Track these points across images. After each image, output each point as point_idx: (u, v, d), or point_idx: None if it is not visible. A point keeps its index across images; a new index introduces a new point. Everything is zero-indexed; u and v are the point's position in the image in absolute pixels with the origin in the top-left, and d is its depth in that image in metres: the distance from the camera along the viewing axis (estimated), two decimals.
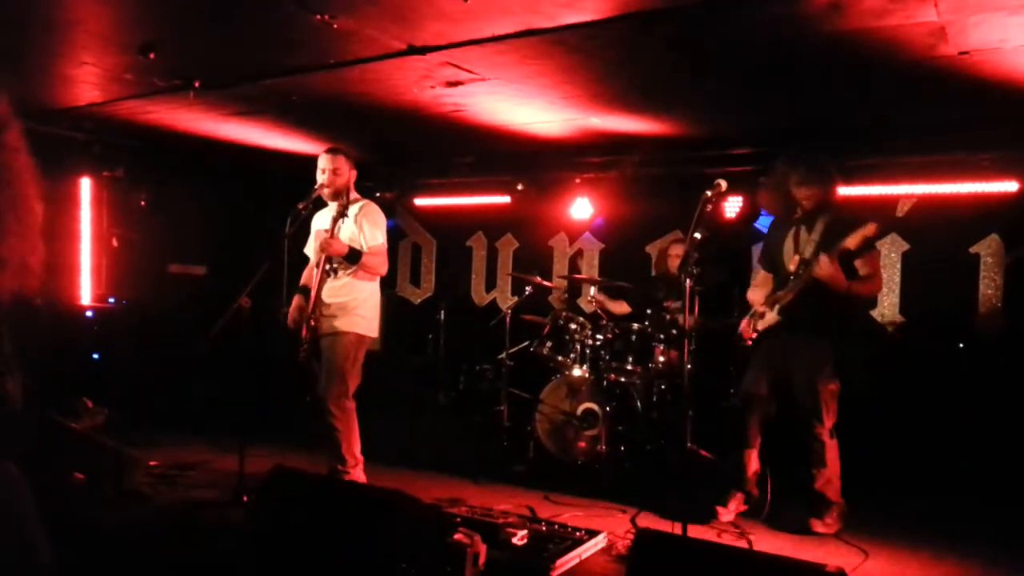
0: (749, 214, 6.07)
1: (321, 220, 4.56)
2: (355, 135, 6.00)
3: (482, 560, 3.19)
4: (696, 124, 5.50)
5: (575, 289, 7.16)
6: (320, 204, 4.51)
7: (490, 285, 7.79)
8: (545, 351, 5.72)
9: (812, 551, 3.81)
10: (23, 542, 1.59)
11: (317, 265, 4.36)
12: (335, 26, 3.68)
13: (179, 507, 4.30)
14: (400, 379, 7.26)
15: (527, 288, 6.04)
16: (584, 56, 4.05)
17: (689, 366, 3.68)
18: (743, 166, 5.74)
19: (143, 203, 6.93)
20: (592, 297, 5.99)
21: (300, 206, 4.25)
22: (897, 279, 5.95)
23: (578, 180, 6.73)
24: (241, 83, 4.82)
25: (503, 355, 5.96)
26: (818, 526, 4.09)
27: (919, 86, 4.31)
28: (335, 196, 4.36)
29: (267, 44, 4.14)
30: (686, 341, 3.63)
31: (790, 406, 4.18)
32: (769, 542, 4.00)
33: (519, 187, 7.09)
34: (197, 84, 4.76)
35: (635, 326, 5.58)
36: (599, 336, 5.60)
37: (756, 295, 4.39)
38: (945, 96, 4.48)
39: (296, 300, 4.42)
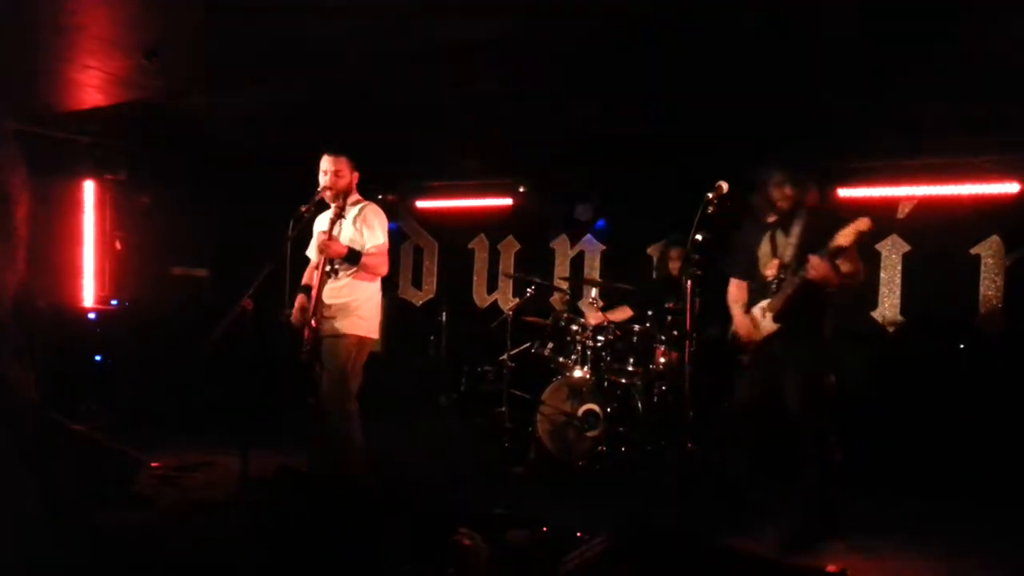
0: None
1: (323, 222, 4.57)
2: (357, 137, 6.01)
3: (484, 561, 3.19)
4: (698, 125, 5.51)
5: (577, 291, 7.18)
6: (322, 206, 4.51)
7: (492, 287, 7.80)
8: (546, 352, 5.73)
9: (812, 552, 3.82)
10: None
11: (317, 266, 4.36)
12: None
13: (181, 509, 4.31)
14: (402, 381, 7.26)
15: (528, 290, 6.05)
16: (584, 57, 4.07)
17: (690, 367, 3.69)
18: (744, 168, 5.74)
19: (146, 205, 6.96)
20: (592, 310, 5.95)
21: (302, 208, 4.24)
22: (898, 280, 5.96)
23: (580, 182, 6.73)
24: (244, 86, 4.84)
25: (504, 356, 5.96)
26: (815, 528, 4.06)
27: (921, 88, 4.32)
28: (337, 197, 4.35)
29: (268, 46, 4.16)
30: (687, 343, 3.63)
31: (785, 407, 4.11)
32: (770, 543, 4.00)
33: (521, 189, 7.11)
34: (200, 87, 4.78)
35: (636, 328, 5.59)
36: (600, 337, 5.61)
37: (738, 309, 4.23)
38: (947, 98, 4.49)
39: (299, 300, 4.43)
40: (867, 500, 4.76)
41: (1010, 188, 5.40)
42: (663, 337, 5.52)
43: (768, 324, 4.03)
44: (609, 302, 6.12)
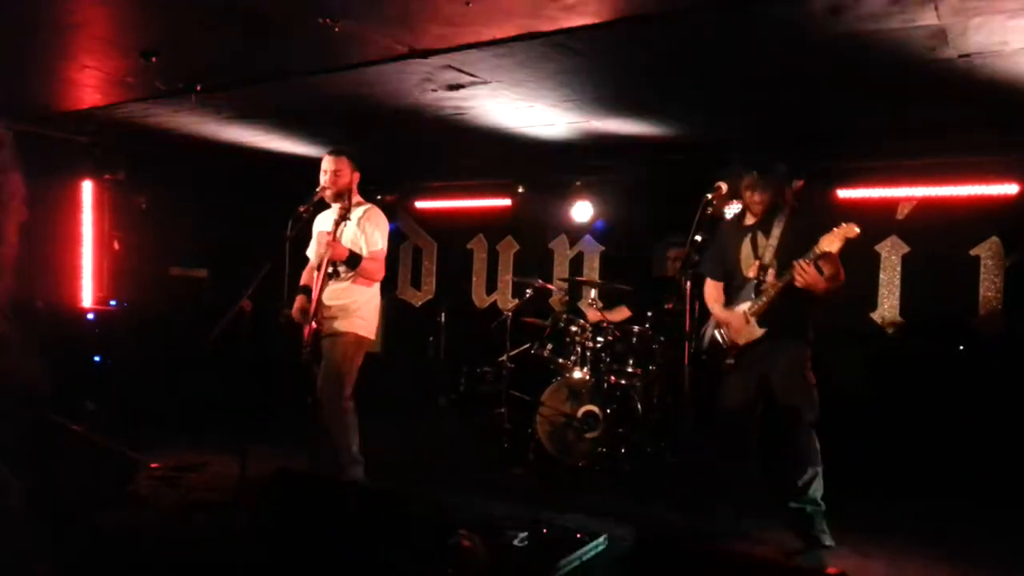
0: None
1: (323, 222, 4.57)
2: (356, 138, 6.02)
3: (483, 562, 3.19)
4: (696, 127, 5.51)
5: (576, 291, 7.17)
6: (322, 206, 4.52)
7: (491, 287, 7.80)
8: (546, 353, 5.73)
9: (813, 551, 3.82)
10: None
11: (318, 267, 4.36)
12: (337, 29, 3.69)
13: (180, 509, 4.31)
14: (400, 381, 7.26)
15: (528, 291, 6.05)
16: (584, 59, 4.07)
17: (690, 368, 3.68)
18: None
19: (144, 206, 6.95)
20: (591, 310, 5.96)
21: (301, 209, 4.26)
22: (897, 281, 5.96)
23: (579, 183, 6.74)
24: (242, 86, 4.83)
25: (504, 357, 5.96)
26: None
27: (919, 89, 4.32)
28: (337, 197, 4.36)
29: (269, 48, 4.16)
30: (687, 343, 3.62)
31: (776, 407, 4.08)
32: (768, 545, 4.00)
33: (520, 190, 7.11)
34: (199, 87, 4.77)
35: (636, 329, 5.59)
36: (600, 339, 5.61)
37: (719, 307, 4.21)
38: (945, 99, 4.49)
39: (298, 300, 4.43)
40: (866, 501, 4.76)
41: (1009, 189, 5.40)
42: (663, 338, 5.52)
43: (755, 329, 4.00)
44: (608, 303, 6.12)
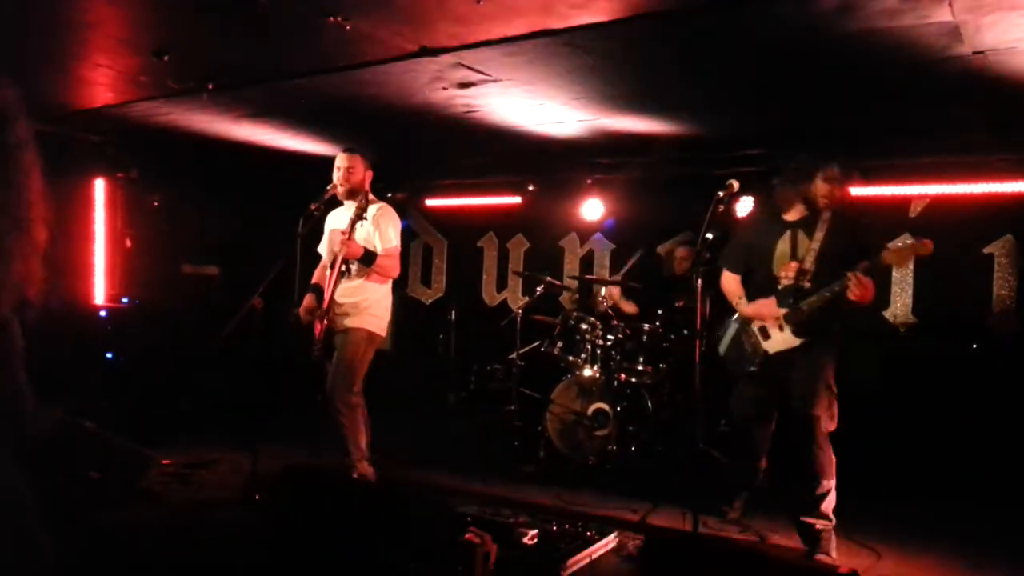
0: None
1: (335, 220, 4.59)
2: (367, 136, 6.03)
3: (492, 560, 3.19)
4: (707, 124, 5.49)
5: (586, 289, 7.16)
6: (333, 204, 4.54)
7: (501, 285, 7.80)
8: (556, 351, 5.73)
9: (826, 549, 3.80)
10: (23, 538, 1.56)
11: (332, 265, 4.38)
12: (348, 28, 3.70)
13: (191, 506, 4.33)
14: (411, 379, 7.27)
15: (538, 288, 6.05)
16: (596, 57, 4.06)
17: (700, 366, 3.65)
18: (755, 167, 5.73)
19: (156, 204, 6.99)
20: (605, 295, 5.99)
21: (312, 207, 4.29)
22: (910, 280, 5.92)
23: (589, 181, 6.73)
24: (254, 85, 4.85)
25: (514, 355, 5.96)
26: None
27: (933, 86, 4.29)
28: (349, 195, 4.39)
29: (280, 46, 4.17)
30: (697, 341, 3.60)
31: (793, 407, 3.94)
32: (780, 542, 3.99)
33: (530, 188, 7.10)
34: (210, 86, 4.79)
35: (646, 326, 5.58)
36: (610, 336, 5.60)
37: (744, 302, 4.03)
38: (959, 96, 4.46)
39: (307, 299, 4.44)
40: (878, 500, 4.74)
41: (1023, 187, 5.36)
42: (673, 336, 5.50)
43: (790, 338, 3.84)
44: (622, 295, 6.19)
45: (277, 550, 3.36)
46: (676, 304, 5.73)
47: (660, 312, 5.67)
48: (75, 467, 4.26)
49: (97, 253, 6.71)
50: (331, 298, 4.32)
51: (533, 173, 6.99)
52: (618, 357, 5.57)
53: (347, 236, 4.27)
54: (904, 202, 5.87)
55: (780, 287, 3.90)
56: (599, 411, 5.37)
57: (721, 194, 3.56)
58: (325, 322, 4.31)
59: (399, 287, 7.70)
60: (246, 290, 4.20)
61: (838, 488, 3.82)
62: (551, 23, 3.60)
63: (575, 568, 3.46)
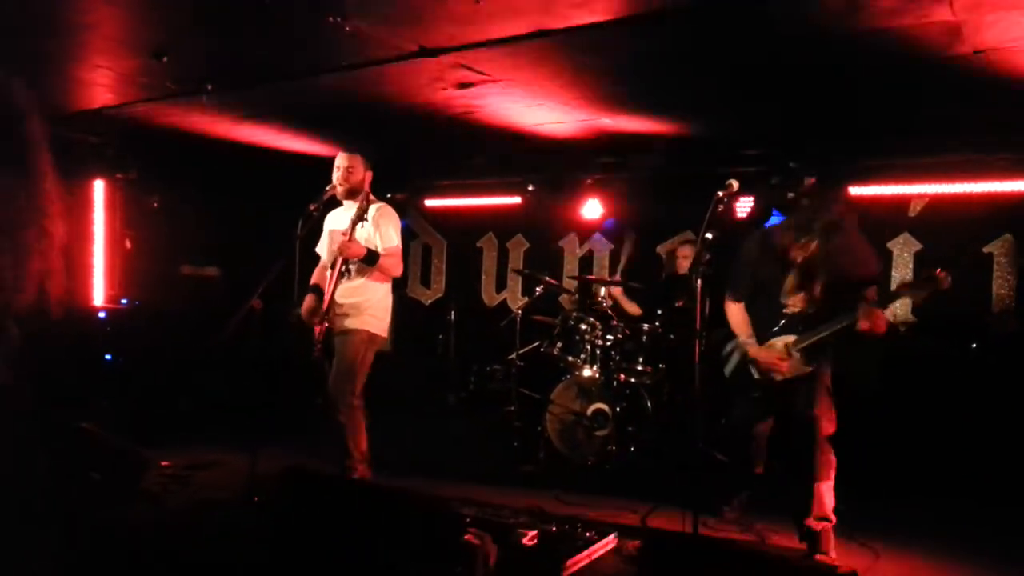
0: (760, 215, 6.05)
1: (335, 220, 4.58)
2: (367, 136, 6.03)
3: (492, 560, 3.19)
4: (707, 124, 5.50)
5: (586, 289, 7.16)
6: (332, 204, 4.53)
7: (500, 286, 7.80)
8: (555, 352, 5.72)
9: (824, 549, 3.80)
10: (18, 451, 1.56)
11: (332, 266, 4.38)
12: (347, 28, 3.70)
13: (191, 507, 4.32)
14: (410, 380, 7.26)
15: (537, 289, 6.05)
16: (596, 57, 4.06)
17: (700, 367, 3.65)
18: (755, 166, 5.73)
19: (156, 205, 6.99)
20: (606, 295, 5.99)
21: (311, 207, 4.28)
22: (909, 279, 5.92)
23: (589, 181, 6.73)
24: (253, 85, 4.85)
25: (513, 355, 5.96)
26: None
27: (933, 86, 4.29)
28: (349, 195, 4.38)
29: (280, 47, 4.17)
30: (697, 342, 3.59)
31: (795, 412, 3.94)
32: (780, 542, 3.98)
33: (530, 188, 7.10)
34: (210, 87, 4.79)
35: (646, 327, 5.58)
36: (609, 337, 5.60)
37: (753, 342, 3.96)
38: (959, 95, 4.46)
39: (308, 300, 4.44)
40: (878, 500, 4.73)
41: (1023, 186, 5.36)
42: (672, 336, 5.50)
43: (800, 365, 3.82)
44: (624, 295, 6.20)
45: (277, 551, 3.36)
46: (676, 304, 5.73)
47: (660, 312, 5.67)
48: (75, 467, 4.26)
49: (96, 254, 6.71)
50: (331, 299, 4.31)
51: (533, 173, 6.99)
52: (617, 357, 5.57)
53: (348, 237, 4.27)
54: (903, 201, 5.87)
55: (787, 314, 3.89)
56: (599, 411, 5.37)
57: (721, 194, 3.55)
58: (325, 323, 4.31)
59: (399, 287, 7.70)
60: (246, 291, 4.19)
61: (837, 488, 3.82)
62: (551, 23, 3.60)
63: (575, 569, 3.46)
